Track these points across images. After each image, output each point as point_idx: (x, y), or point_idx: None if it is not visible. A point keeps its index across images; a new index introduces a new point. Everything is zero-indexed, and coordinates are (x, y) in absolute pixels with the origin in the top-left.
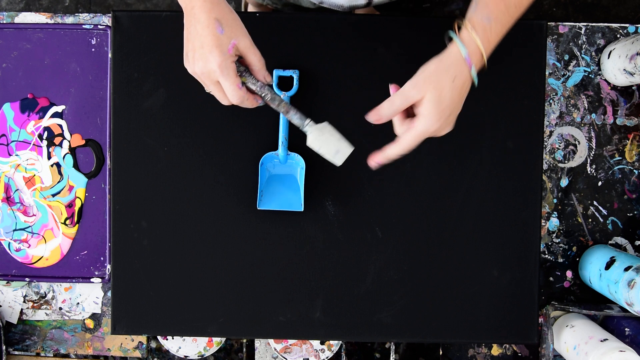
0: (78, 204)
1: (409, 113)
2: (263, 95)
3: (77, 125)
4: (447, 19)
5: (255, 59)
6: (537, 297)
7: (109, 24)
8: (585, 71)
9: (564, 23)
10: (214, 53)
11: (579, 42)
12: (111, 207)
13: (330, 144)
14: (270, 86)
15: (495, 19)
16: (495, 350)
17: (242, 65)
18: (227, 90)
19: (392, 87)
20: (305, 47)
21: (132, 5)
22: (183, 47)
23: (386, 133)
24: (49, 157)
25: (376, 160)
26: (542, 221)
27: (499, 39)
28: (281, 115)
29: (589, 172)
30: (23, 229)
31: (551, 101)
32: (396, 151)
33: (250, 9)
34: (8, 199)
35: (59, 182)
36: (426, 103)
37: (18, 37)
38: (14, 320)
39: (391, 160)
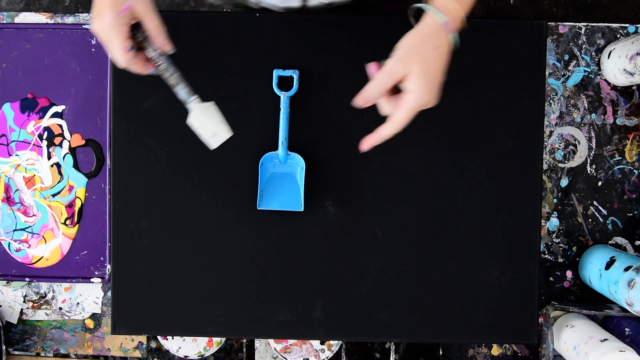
0: (78, 204)
1: (393, 91)
2: (156, 63)
3: (77, 125)
4: None
5: (151, 24)
6: (537, 297)
7: None
8: (585, 71)
9: (564, 23)
10: (107, 12)
11: (579, 42)
12: (111, 207)
13: (209, 125)
14: (168, 56)
15: None
16: (495, 350)
17: (144, 31)
18: (113, 51)
19: (371, 66)
20: (305, 47)
21: None
22: (183, 47)
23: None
24: (49, 157)
25: (369, 142)
26: (542, 221)
27: (471, 3)
28: (281, 115)
29: (589, 172)
30: (23, 229)
31: (551, 101)
32: (390, 130)
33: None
34: (8, 199)
35: (59, 182)
36: (414, 77)
37: (18, 37)
38: (14, 320)
39: (383, 141)
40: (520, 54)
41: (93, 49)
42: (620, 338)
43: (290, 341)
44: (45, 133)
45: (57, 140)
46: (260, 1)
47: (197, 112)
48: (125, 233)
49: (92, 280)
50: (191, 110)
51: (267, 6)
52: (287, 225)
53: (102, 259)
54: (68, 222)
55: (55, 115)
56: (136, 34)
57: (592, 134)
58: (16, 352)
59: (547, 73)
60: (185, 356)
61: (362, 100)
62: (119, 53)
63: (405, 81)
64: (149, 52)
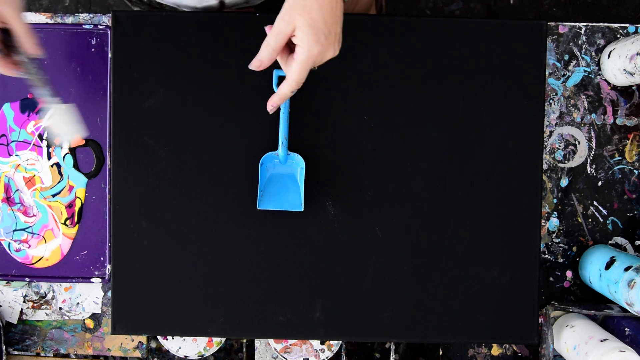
0: (78, 204)
1: (292, 49)
2: (26, 67)
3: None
4: (448, 19)
5: (19, 29)
6: (537, 297)
7: (109, 24)
8: (585, 71)
9: (564, 23)
10: None
11: (579, 42)
12: (111, 207)
13: (67, 125)
14: (35, 59)
15: None
16: (495, 350)
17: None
18: None
19: (267, 28)
20: None
21: None
22: (183, 47)
23: (385, 133)
24: (49, 158)
25: (272, 103)
26: (542, 221)
27: None
28: (281, 115)
29: (589, 172)
30: (23, 230)
31: (551, 101)
32: (287, 88)
33: None
34: (8, 199)
35: (59, 182)
36: (299, 31)
37: None
38: (14, 320)
39: (286, 99)
40: (520, 54)
41: (93, 49)
42: (620, 338)
43: (290, 341)
44: (46, 133)
45: (57, 140)
46: (179, 5)
47: (57, 113)
48: (125, 233)
49: (92, 280)
50: (50, 111)
51: (186, 8)
52: (287, 225)
53: (102, 259)
54: (68, 222)
55: None
56: (9, 39)
57: (592, 134)
58: (16, 352)
59: (547, 73)
60: (185, 356)
61: (255, 64)
62: None
63: (294, 37)
64: (20, 56)
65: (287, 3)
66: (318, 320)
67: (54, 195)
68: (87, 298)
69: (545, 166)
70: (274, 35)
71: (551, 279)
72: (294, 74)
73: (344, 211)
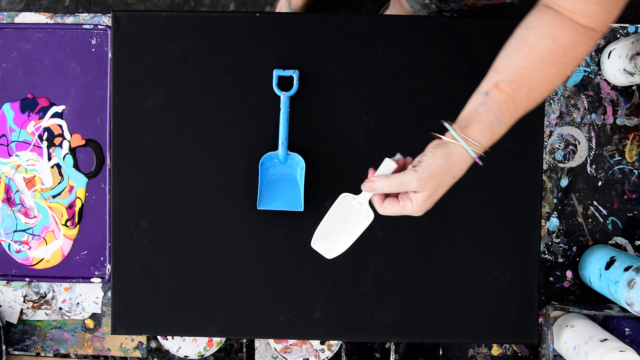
0: (78, 204)
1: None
2: None
3: (77, 125)
4: (447, 19)
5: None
6: (537, 297)
7: (109, 24)
8: (585, 71)
9: None
10: None
11: None
12: (111, 207)
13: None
14: None
15: (505, 122)
16: (495, 350)
17: None
18: None
19: (370, 172)
20: (305, 47)
21: (132, 5)
22: (183, 47)
23: (385, 133)
24: (49, 159)
25: (366, 187)
26: (542, 221)
27: (499, 137)
28: (281, 115)
29: (589, 172)
30: (24, 231)
31: (551, 101)
32: (378, 207)
33: None
34: (9, 200)
35: (59, 183)
36: (421, 195)
37: (18, 37)
38: (14, 320)
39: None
40: None
41: (93, 49)
42: (620, 338)
43: (290, 341)
44: (46, 134)
45: (57, 140)
46: None
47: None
48: (125, 233)
49: (92, 280)
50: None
51: None
52: (287, 225)
53: (102, 259)
54: (69, 223)
55: (55, 115)
56: None
57: (592, 134)
58: (16, 352)
59: None
60: (185, 356)
61: (369, 186)
62: None
63: (414, 193)
64: None
65: (430, 169)
66: (318, 320)
67: (54, 197)
68: (87, 298)
69: (545, 166)
70: (401, 185)
71: (551, 279)
72: (390, 212)
73: None
